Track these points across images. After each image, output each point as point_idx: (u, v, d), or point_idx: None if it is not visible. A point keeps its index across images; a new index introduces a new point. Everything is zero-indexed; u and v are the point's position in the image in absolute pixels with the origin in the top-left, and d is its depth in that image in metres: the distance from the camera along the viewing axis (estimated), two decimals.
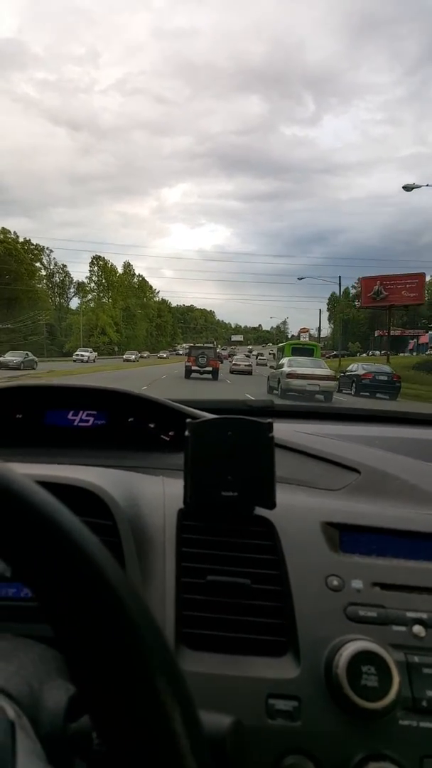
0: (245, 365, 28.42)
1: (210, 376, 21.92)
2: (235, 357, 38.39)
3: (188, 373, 22.08)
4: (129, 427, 0.96)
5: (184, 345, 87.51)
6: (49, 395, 0.97)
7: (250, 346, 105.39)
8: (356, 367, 19.31)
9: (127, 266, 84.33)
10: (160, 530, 0.61)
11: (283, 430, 0.88)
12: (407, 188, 19.42)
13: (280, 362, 14.79)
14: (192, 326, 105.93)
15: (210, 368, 21.86)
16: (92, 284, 71.97)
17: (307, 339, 39.10)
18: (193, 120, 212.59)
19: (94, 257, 74.49)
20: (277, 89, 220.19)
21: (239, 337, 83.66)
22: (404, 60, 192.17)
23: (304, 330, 51.75)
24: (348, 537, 0.62)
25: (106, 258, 74.70)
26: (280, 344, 32.18)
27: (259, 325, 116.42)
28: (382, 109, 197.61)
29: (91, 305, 68.51)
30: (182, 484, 0.61)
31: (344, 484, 0.79)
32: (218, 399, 1.45)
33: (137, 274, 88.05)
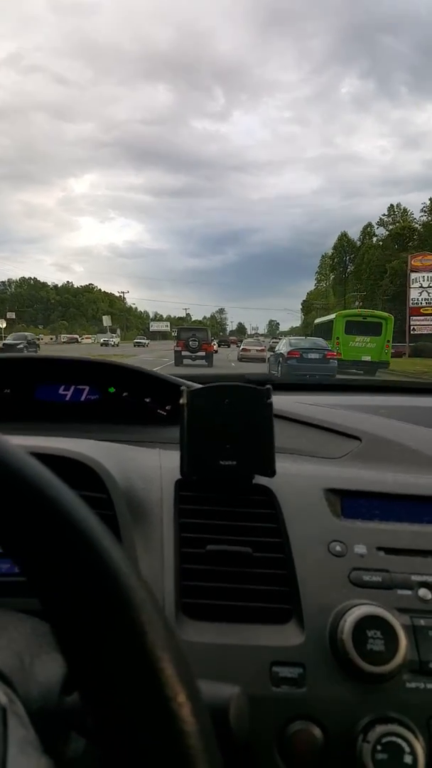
0: (257, 350, 25.82)
1: (204, 361, 19.62)
2: (243, 341, 36.10)
3: (179, 359, 19.62)
4: (123, 401, 0.96)
5: (50, 337, 62.63)
6: (38, 368, 0.96)
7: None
8: (283, 344, 15.16)
9: None
10: (157, 502, 0.62)
11: (283, 401, 0.91)
12: None
13: None
14: (91, 313, 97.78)
15: (203, 353, 19.52)
16: None
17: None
18: (99, 106, 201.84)
19: None
20: (186, 79, 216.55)
21: (163, 325, 74.45)
22: (312, 58, 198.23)
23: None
24: (350, 503, 0.64)
25: None
26: (320, 319, 24.47)
27: (187, 314, 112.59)
28: (291, 108, 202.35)
29: None
30: (179, 456, 0.62)
31: (345, 452, 0.81)
32: (215, 374, 1.99)
33: None
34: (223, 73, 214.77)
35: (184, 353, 19.65)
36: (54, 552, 0.25)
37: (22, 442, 0.62)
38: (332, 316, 19.45)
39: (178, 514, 0.61)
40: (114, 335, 48.19)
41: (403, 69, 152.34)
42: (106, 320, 40.10)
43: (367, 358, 16.65)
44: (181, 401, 0.62)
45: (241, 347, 28.19)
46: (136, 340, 51.93)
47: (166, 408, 0.94)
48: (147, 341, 52.57)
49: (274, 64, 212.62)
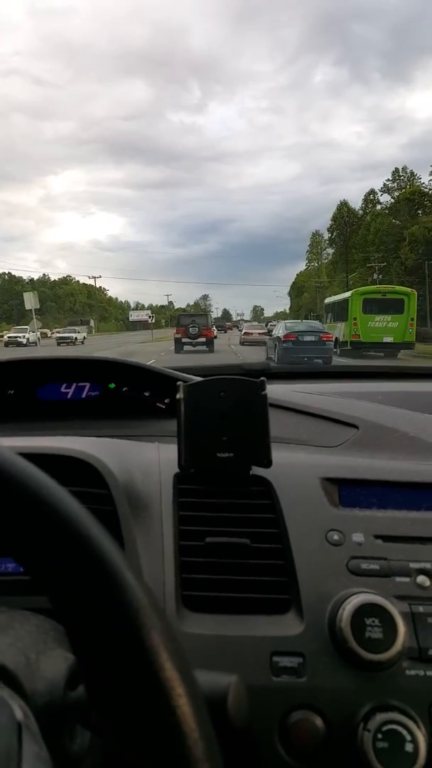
0: (259, 333, 26.46)
1: (205, 347, 19.25)
2: (245, 325, 37.23)
3: (179, 346, 19.25)
4: (124, 397, 0.98)
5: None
6: (40, 368, 1.00)
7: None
8: (279, 327, 15.09)
9: None
10: (157, 496, 0.63)
11: (279, 390, 0.94)
12: None
13: None
14: (68, 305, 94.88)
15: (203, 339, 19.18)
16: None
17: None
18: (77, 104, 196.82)
19: None
20: (163, 74, 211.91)
21: (143, 314, 70.46)
22: (285, 48, 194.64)
23: None
24: (347, 491, 0.64)
25: None
26: (331, 298, 21.88)
27: (170, 302, 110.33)
28: (266, 97, 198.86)
29: None
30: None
31: (342, 440, 0.81)
32: (213, 365, 1.54)
33: None
34: (199, 66, 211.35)
35: (184, 340, 19.25)
36: (55, 558, 0.25)
37: (25, 443, 0.66)
38: (347, 294, 17.91)
39: (177, 507, 0.61)
40: (26, 329, 30.98)
41: (376, 55, 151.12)
42: (30, 301, 17.59)
43: (389, 339, 15.56)
44: (177, 396, 0.63)
45: (243, 331, 28.92)
46: (59, 335, 33.85)
47: (165, 401, 0.96)
48: (80, 336, 34.62)
49: (248, 55, 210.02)
